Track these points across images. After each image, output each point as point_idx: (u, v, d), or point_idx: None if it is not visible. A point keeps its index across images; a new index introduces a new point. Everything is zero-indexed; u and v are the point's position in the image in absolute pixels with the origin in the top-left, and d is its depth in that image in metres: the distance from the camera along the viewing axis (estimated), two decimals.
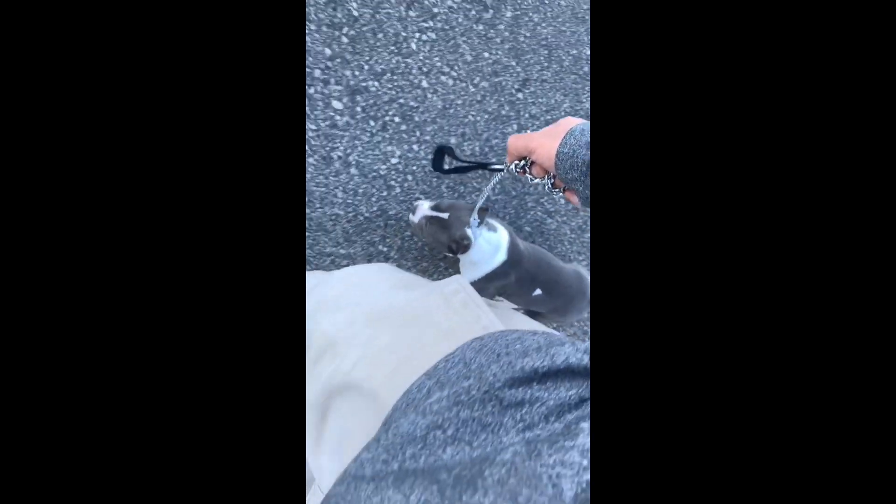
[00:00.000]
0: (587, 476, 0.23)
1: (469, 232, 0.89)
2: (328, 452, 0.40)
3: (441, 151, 1.00)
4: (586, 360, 0.31)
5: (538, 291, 1.02)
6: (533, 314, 1.10)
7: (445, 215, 0.91)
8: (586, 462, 0.24)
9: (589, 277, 1.11)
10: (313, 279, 0.64)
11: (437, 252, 1.13)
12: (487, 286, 0.99)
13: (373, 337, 0.43)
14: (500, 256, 0.94)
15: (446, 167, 0.99)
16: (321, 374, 0.43)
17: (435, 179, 1.09)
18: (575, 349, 0.32)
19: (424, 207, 0.94)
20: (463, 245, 0.89)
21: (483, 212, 0.86)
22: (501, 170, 0.63)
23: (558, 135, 0.48)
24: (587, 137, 0.45)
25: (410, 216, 0.97)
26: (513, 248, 0.96)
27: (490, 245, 0.93)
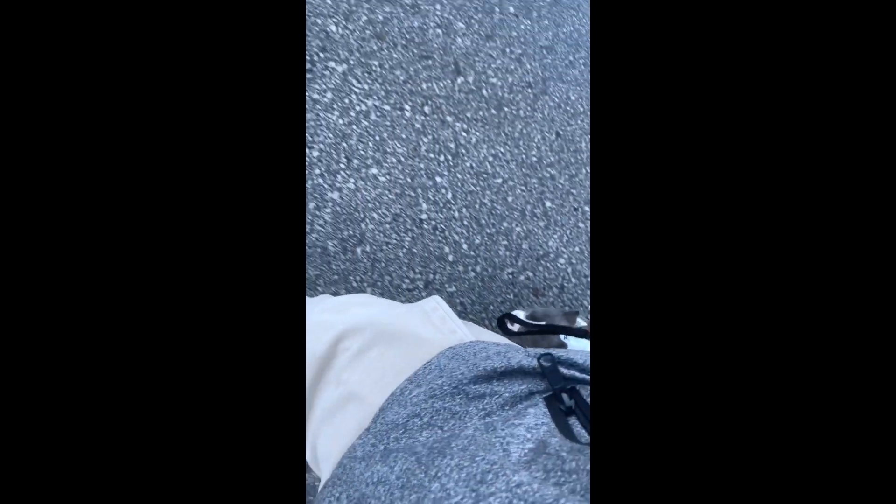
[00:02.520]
0: (530, 445, 0.29)
1: (563, 337, 0.95)
2: (330, 456, 0.45)
3: (502, 319, 0.98)
4: (534, 362, 0.38)
5: None
6: None
7: (543, 323, 0.96)
8: (530, 435, 0.30)
9: None
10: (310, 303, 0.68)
11: None
12: None
13: (365, 350, 0.49)
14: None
15: (515, 329, 0.98)
16: (325, 387, 0.49)
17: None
18: (526, 355, 0.39)
19: (521, 317, 0.97)
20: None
21: (504, 324, 0.92)
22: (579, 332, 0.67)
23: None
24: None
25: (508, 325, 0.99)
26: None
27: (584, 347, 0.97)
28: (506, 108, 1.31)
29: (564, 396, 0.35)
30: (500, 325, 0.95)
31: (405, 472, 0.30)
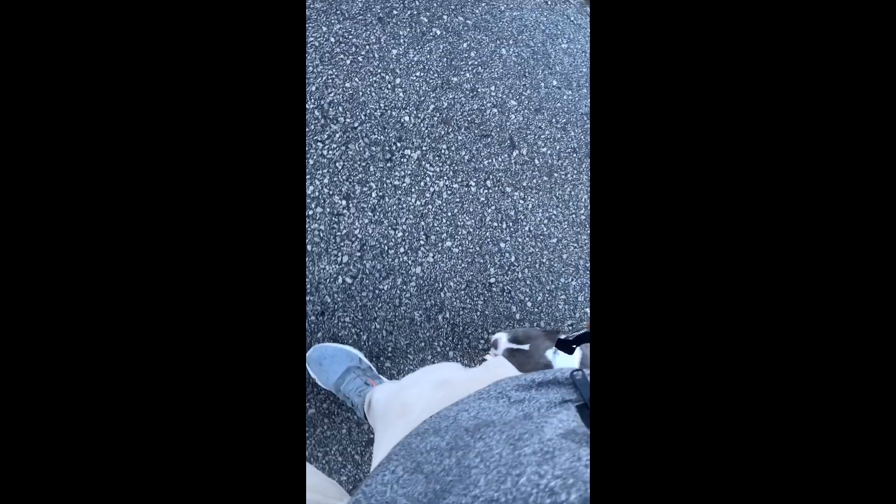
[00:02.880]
0: (561, 430, 0.33)
1: (550, 355, 1.00)
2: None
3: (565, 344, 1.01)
4: (567, 375, 0.43)
5: None
6: None
7: (526, 346, 1.01)
8: (561, 425, 0.34)
9: None
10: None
11: None
12: None
13: (433, 395, 0.57)
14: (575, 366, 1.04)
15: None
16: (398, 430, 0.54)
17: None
18: (561, 371, 0.44)
19: (504, 341, 1.03)
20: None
21: (564, 344, 0.93)
22: None
23: None
24: None
25: (493, 350, 1.06)
26: (584, 362, 1.06)
27: (569, 363, 1.03)
28: (556, 174, 1.44)
29: None
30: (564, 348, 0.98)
31: (454, 439, 0.34)
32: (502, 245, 1.35)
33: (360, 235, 1.19)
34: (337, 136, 1.20)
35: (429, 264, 1.25)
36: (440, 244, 1.27)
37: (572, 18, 1.60)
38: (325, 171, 1.18)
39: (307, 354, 1.09)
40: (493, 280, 1.32)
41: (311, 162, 1.17)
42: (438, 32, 1.36)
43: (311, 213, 1.16)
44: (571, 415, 0.36)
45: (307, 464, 0.69)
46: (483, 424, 0.36)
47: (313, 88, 1.19)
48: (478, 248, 1.32)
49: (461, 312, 1.27)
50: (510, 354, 1.02)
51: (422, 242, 1.25)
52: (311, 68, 1.20)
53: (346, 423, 1.13)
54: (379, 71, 1.27)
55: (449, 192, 1.30)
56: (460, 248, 1.30)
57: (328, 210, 1.17)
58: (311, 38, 1.21)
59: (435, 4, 1.37)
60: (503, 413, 0.39)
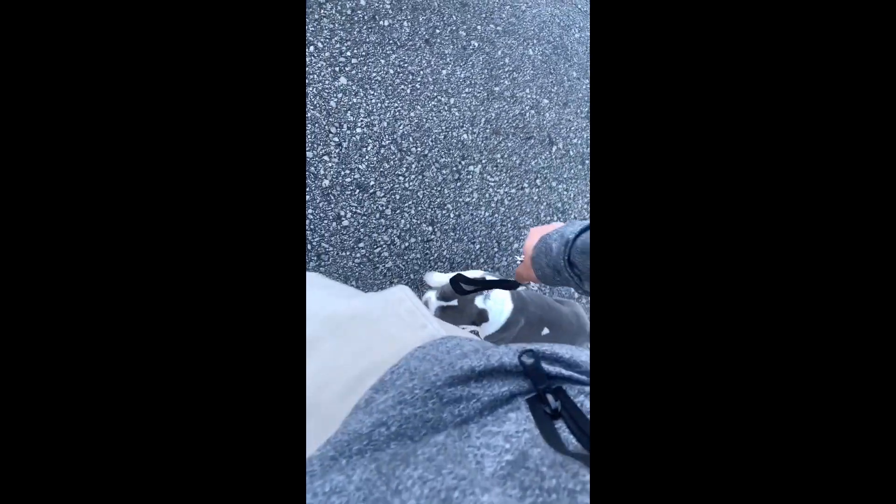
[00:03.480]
0: (508, 457, 0.27)
1: (480, 303, 1.02)
2: None
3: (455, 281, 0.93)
4: (516, 360, 0.34)
5: (546, 331, 1.13)
6: None
7: (455, 302, 1.03)
8: (509, 445, 0.27)
9: (587, 317, 1.21)
10: None
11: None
12: (504, 336, 1.09)
13: (315, 342, 0.42)
14: (508, 308, 1.07)
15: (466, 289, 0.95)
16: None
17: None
18: (508, 350, 0.35)
19: (434, 300, 1.05)
20: (482, 318, 1.03)
21: (455, 283, 0.82)
22: (515, 286, 0.70)
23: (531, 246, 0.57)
24: (555, 244, 0.52)
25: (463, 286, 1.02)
26: (516, 297, 1.09)
27: (498, 303, 1.06)
28: (586, 161, 1.59)
29: (549, 398, 0.31)
30: (454, 285, 0.88)
31: (365, 483, 0.26)
32: None
33: (448, 255, 1.30)
34: (413, 166, 1.27)
35: (503, 268, 1.40)
36: (509, 247, 1.41)
37: (580, 6, 1.68)
38: (409, 202, 1.26)
39: None
40: None
41: (397, 196, 1.24)
42: (476, 44, 1.40)
43: (406, 244, 1.25)
44: (522, 420, 0.30)
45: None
46: (401, 457, 0.28)
47: (385, 124, 1.23)
48: None
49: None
50: (442, 312, 1.03)
51: (496, 250, 1.38)
52: (378, 103, 1.23)
53: None
54: (435, 94, 1.31)
55: (509, 197, 1.42)
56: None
57: (419, 238, 1.26)
58: (374, 74, 1.23)
59: (469, 17, 1.40)
60: (433, 421, 0.31)
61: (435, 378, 0.34)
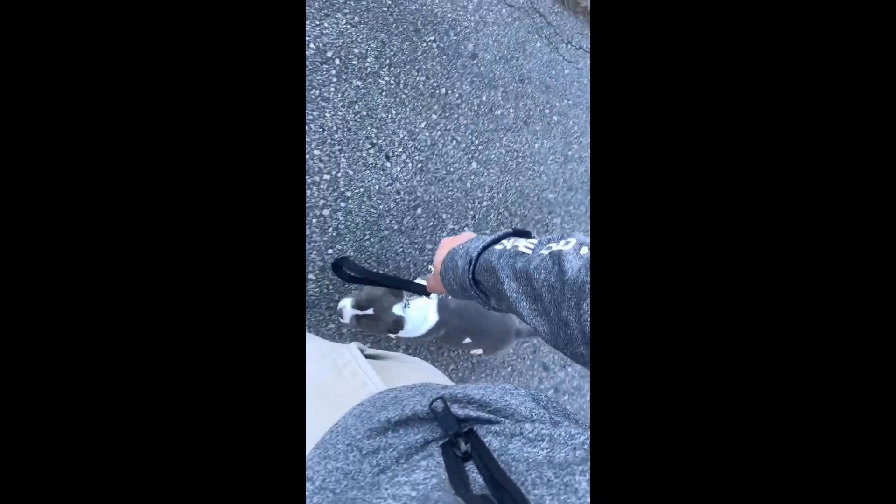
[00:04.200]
0: (416, 499, 0.28)
1: (398, 311, 0.98)
2: None
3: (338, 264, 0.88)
4: (427, 407, 0.36)
5: (468, 339, 1.14)
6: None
7: (370, 311, 0.98)
8: (415, 493, 0.29)
9: (514, 321, 1.20)
10: None
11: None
12: (423, 339, 1.11)
13: None
14: (432, 319, 1.05)
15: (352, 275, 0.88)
16: None
17: None
18: (422, 398, 0.37)
19: (348, 308, 0.99)
20: (398, 326, 1.00)
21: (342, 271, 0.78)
22: (420, 289, 0.64)
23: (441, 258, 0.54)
24: (461, 260, 0.49)
25: (340, 319, 1.03)
26: (443, 308, 1.06)
27: (420, 311, 1.03)
28: None
29: (460, 441, 0.32)
30: (335, 270, 0.82)
31: None
32: None
33: None
34: (518, 225, 1.61)
35: None
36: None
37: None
38: None
39: None
40: None
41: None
42: (556, 118, 1.73)
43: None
44: (433, 466, 0.31)
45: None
46: None
47: (501, 195, 1.56)
48: None
49: None
50: (357, 322, 1.00)
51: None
52: (497, 180, 1.55)
53: None
54: (531, 165, 1.64)
55: None
56: None
57: None
58: (492, 154, 1.54)
59: (551, 96, 1.72)
60: (353, 473, 0.33)
61: (356, 432, 0.36)
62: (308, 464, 0.35)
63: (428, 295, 0.66)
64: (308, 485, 0.33)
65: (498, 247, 0.47)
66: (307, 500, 0.32)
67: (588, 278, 0.35)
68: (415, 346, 1.32)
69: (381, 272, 1.11)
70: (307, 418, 0.41)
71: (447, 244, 0.56)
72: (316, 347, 0.56)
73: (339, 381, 0.48)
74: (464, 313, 1.10)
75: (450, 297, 0.91)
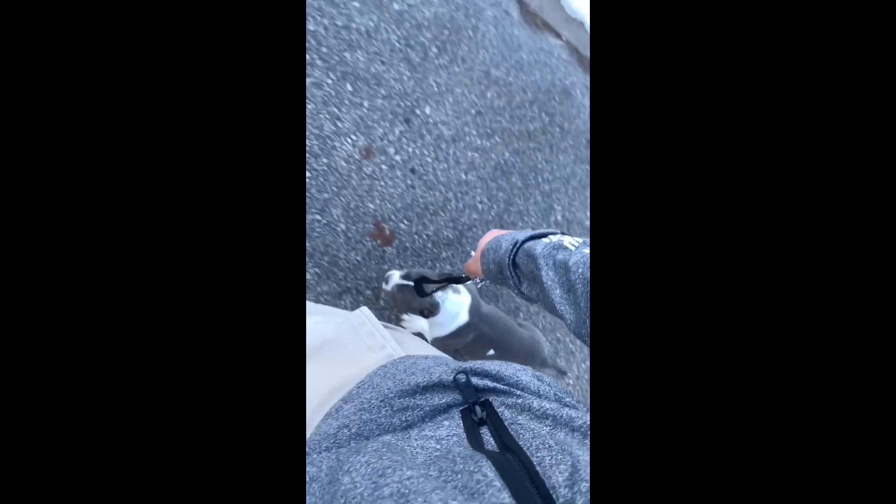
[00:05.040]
0: (437, 453, 0.33)
1: (437, 297, 0.99)
2: None
3: (419, 282, 1.01)
4: (452, 376, 0.41)
5: (492, 352, 1.13)
6: None
7: (412, 283, 1.00)
8: (439, 446, 0.34)
9: (544, 342, 1.23)
10: None
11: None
12: (449, 343, 1.09)
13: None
14: (463, 318, 1.05)
15: (428, 290, 1.01)
16: None
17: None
18: (448, 369, 0.42)
19: (396, 277, 1.02)
20: (433, 310, 1.01)
21: (417, 285, 0.92)
22: (464, 280, 0.74)
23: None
24: (505, 243, 0.57)
25: (384, 285, 1.06)
26: (474, 311, 1.06)
27: (455, 307, 1.03)
28: None
29: (477, 408, 0.37)
30: (418, 290, 0.96)
31: (330, 470, 0.32)
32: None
33: None
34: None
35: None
36: None
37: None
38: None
39: None
40: None
41: None
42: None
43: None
44: (454, 426, 0.36)
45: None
46: (355, 450, 0.34)
47: None
48: None
49: None
50: (398, 289, 1.04)
51: None
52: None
53: None
54: None
55: None
56: None
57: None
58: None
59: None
60: (385, 425, 0.38)
61: (388, 391, 0.41)
62: (343, 413, 0.41)
63: (464, 281, 0.74)
64: (345, 430, 0.38)
65: (544, 239, 0.54)
66: (344, 442, 0.37)
67: None
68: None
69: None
70: (325, 371, 0.48)
71: (495, 232, 0.64)
72: (328, 311, 0.65)
73: (357, 340, 0.54)
74: (494, 323, 1.13)
75: (481, 303, 1.08)
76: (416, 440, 0.35)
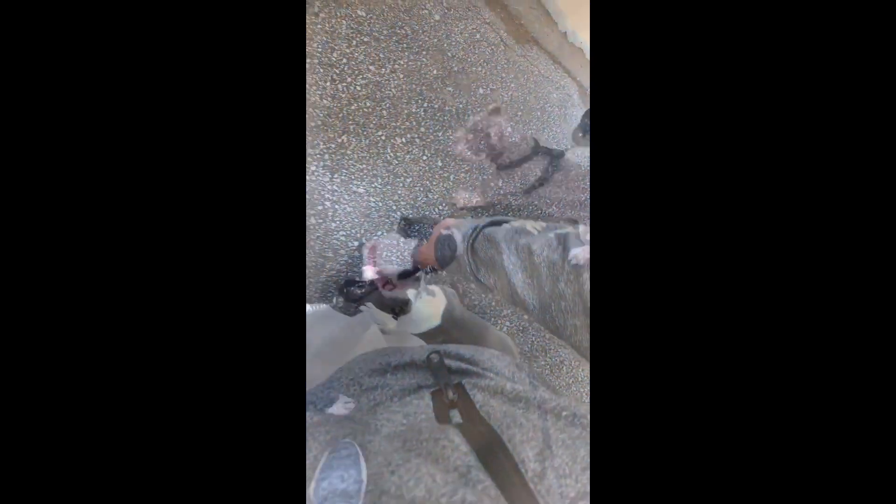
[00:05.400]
0: (402, 428, 0.32)
1: (410, 295, 0.98)
2: None
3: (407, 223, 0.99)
4: (424, 356, 0.41)
5: None
6: None
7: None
8: (406, 421, 0.33)
9: (514, 347, 1.18)
10: None
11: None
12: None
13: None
14: (434, 321, 1.02)
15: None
16: None
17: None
18: (420, 350, 0.42)
19: (370, 273, 1.00)
20: (405, 308, 0.99)
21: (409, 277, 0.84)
22: (413, 273, 0.73)
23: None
24: (463, 228, 0.56)
25: (359, 278, 1.05)
26: (447, 315, 1.03)
27: (427, 309, 1.01)
28: None
29: (449, 391, 0.36)
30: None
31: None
32: None
33: None
34: None
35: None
36: None
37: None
38: None
39: None
40: None
41: None
42: None
43: None
44: (422, 406, 0.36)
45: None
46: (315, 425, 0.33)
47: None
48: None
49: None
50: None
51: None
52: None
53: None
54: None
55: None
56: None
57: None
58: None
59: None
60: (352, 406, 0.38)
61: (359, 370, 0.42)
62: (311, 392, 0.41)
63: (415, 273, 0.72)
64: (311, 407, 0.38)
65: (505, 224, 0.53)
66: (306, 424, 0.35)
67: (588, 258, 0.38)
68: None
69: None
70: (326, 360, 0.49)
71: (449, 221, 0.61)
72: (331, 315, 0.71)
73: (354, 339, 0.60)
74: (465, 328, 1.11)
75: (455, 308, 1.04)
76: (382, 415, 0.35)
